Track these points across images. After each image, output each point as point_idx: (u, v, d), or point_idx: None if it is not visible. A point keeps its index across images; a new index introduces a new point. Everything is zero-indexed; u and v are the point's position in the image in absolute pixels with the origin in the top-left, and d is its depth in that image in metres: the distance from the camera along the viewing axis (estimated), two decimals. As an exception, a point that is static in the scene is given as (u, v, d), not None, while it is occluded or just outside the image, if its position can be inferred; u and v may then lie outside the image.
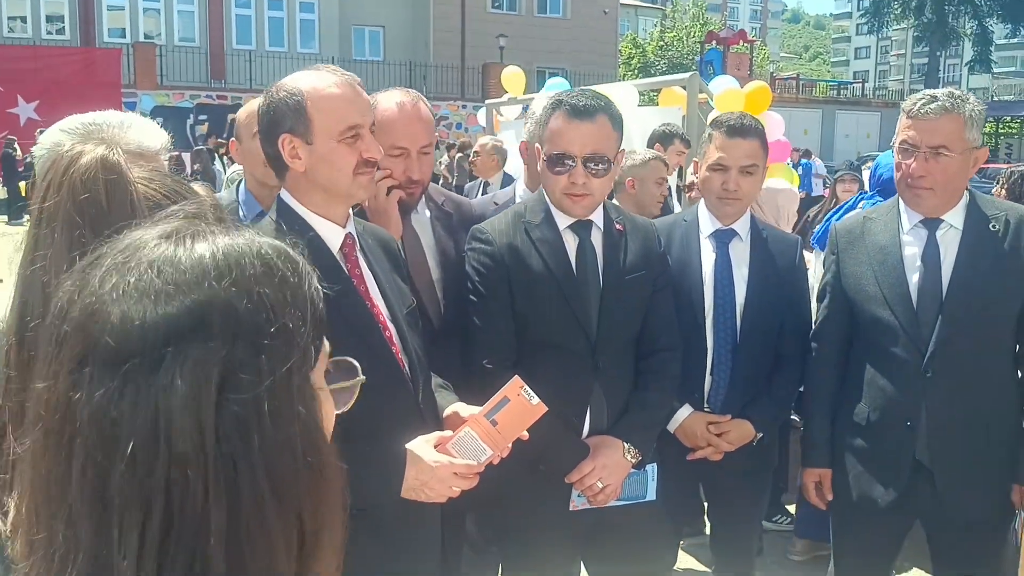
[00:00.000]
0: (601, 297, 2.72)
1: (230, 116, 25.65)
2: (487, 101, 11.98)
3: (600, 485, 2.66)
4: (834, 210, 5.56)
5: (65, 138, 2.00)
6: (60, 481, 0.83)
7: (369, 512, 2.16)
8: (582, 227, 2.75)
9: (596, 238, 2.77)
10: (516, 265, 2.69)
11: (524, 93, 11.20)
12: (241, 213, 3.26)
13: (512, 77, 11.47)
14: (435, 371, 2.62)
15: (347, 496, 0.96)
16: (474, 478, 2.21)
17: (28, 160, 16.95)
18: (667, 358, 2.84)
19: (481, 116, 11.86)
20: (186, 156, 16.02)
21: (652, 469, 2.82)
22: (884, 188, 4.49)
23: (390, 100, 2.80)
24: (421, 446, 2.19)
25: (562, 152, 2.63)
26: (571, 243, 2.75)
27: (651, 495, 2.83)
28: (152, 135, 2.08)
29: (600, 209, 2.79)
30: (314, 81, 2.24)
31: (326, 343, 1.02)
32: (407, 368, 2.32)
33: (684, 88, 7.68)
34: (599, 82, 12.83)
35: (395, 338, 2.32)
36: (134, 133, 2.03)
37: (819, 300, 3.17)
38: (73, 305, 0.87)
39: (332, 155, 2.22)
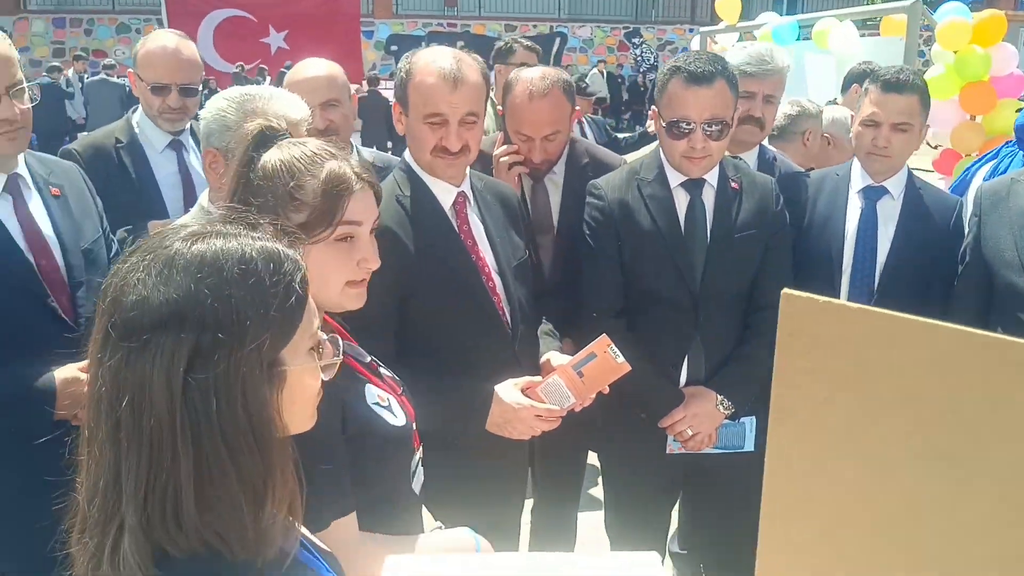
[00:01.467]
0: (707, 253, 2.82)
1: (458, 44, 26.76)
2: (701, 29, 11.72)
3: (690, 432, 2.81)
4: (977, 159, 5.04)
5: (227, 105, 2.38)
6: (94, 419, 1.15)
7: (459, 443, 2.46)
8: (694, 185, 2.85)
9: (708, 196, 2.86)
10: (625, 220, 2.84)
11: (739, 21, 10.87)
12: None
13: (727, 4, 11.15)
14: (551, 319, 2.86)
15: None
16: (556, 421, 2.44)
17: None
18: (772, 316, 2.89)
19: (695, 43, 11.65)
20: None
21: (750, 421, 2.92)
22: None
23: (524, 88, 3.00)
24: (508, 388, 2.44)
25: (680, 118, 2.73)
26: (681, 200, 2.85)
27: (749, 446, 2.93)
28: (295, 107, 2.41)
29: (716, 167, 2.87)
30: (425, 62, 2.48)
31: (312, 324, 1.27)
32: (507, 316, 2.57)
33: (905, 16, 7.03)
34: (817, 9, 12.14)
35: (498, 287, 2.57)
36: (278, 105, 2.37)
37: (960, 262, 3.08)
38: (111, 286, 1.18)
39: (418, 132, 2.49)
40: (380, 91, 15.79)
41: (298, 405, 1.27)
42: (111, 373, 1.12)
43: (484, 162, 3.03)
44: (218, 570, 1.14)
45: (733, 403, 2.84)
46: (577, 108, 3.30)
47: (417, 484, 1.96)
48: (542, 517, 3.42)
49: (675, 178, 2.85)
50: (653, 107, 2.87)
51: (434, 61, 2.46)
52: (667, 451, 2.90)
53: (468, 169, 2.65)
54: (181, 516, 1.11)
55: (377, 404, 1.81)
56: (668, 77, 2.77)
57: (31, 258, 2.42)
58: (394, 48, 26.24)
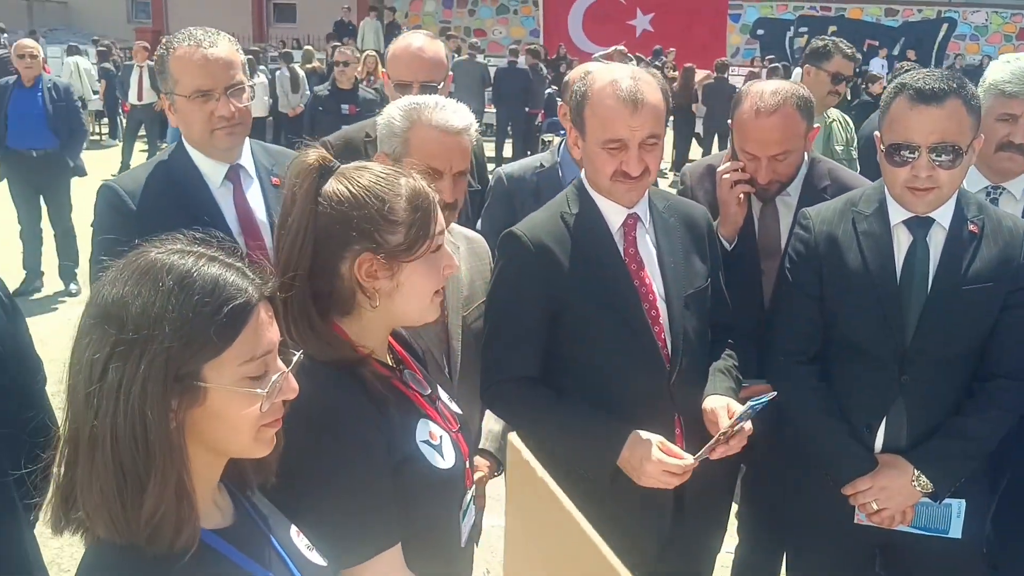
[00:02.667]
0: (924, 305, 2.43)
1: (831, 28, 25.20)
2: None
3: (875, 507, 2.45)
4: None
5: (395, 112, 2.46)
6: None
7: (594, 480, 2.35)
8: (919, 224, 2.46)
9: (936, 238, 2.46)
10: (831, 256, 2.52)
11: None
12: (559, 174, 3.46)
13: None
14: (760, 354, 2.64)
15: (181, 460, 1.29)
16: (686, 474, 2.25)
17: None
18: (1005, 387, 2.44)
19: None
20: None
21: (959, 504, 2.48)
22: None
23: (752, 102, 2.79)
24: (644, 437, 2.29)
25: (903, 141, 2.37)
26: (902, 241, 2.48)
27: (955, 532, 2.50)
28: (458, 116, 2.42)
29: (951, 204, 2.45)
30: (602, 83, 2.36)
31: (251, 352, 1.34)
32: (668, 347, 2.41)
33: None
34: None
35: (663, 316, 2.42)
36: (442, 114, 2.40)
37: None
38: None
39: (595, 159, 2.38)
40: (727, 78, 15.31)
41: (229, 426, 1.35)
42: (71, 350, 1.31)
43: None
44: (106, 555, 1.28)
45: (934, 481, 2.43)
46: (817, 126, 2.96)
47: (467, 527, 1.89)
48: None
49: (898, 214, 2.48)
50: (876, 132, 2.51)
51: (612, 82, 2.34)
52: (855, 520, 2.55)
53: (649, 189, 2.51)
54: (73, 492, 1.28)
55: (427, 442, 1.76)
56: (893, 96, 2.41)
57: (241, 239, 2.68)
58: (760, 32, 25.40)
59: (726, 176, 2.87)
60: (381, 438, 1.67)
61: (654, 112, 2.33)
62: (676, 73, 16.68)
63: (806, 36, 24.00)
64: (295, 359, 1.44)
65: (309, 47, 19.45)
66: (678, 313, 2.43)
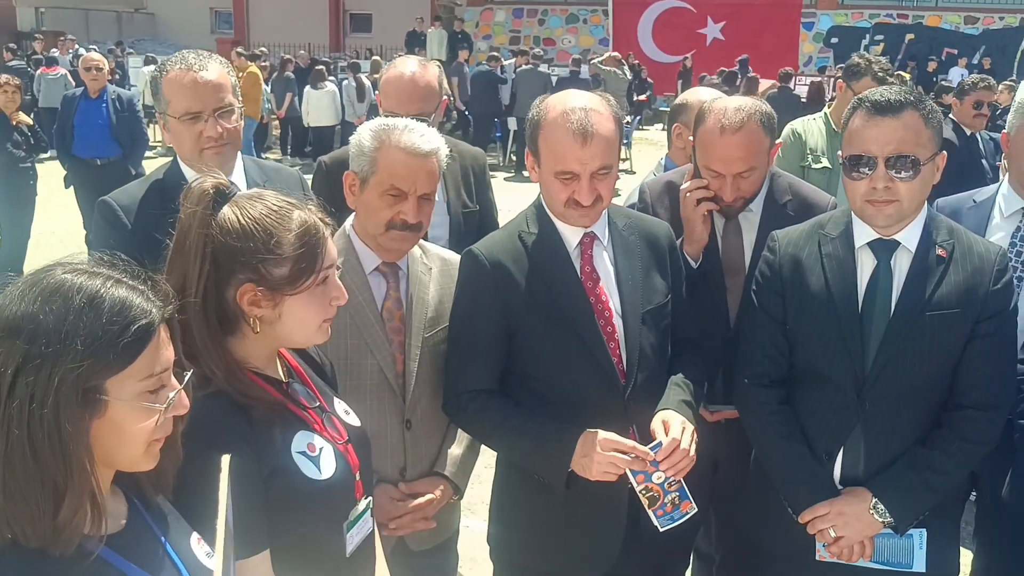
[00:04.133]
0: (886, 331, 2.39)
1: (908, 36, 24.54)
2: None
3: (832, 533, 2.42)
4: None
5: (366, 132, 2.52)
6: None
7: (549, 486, 2.39)
8: (884, 247, 2.42)
9: (901, 262, 2.42)
10: (794, 280, 2.50)
11: None
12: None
13: None
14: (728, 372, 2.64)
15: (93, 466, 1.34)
16: (633, 462, 2.29)
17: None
18: (973, 417, 2.38)
19: None
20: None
21: (919, 535, 2.43)
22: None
23: (716, 120, 2.78)
24: (594, 431, 2.33)
25: (860, 153, 2.36)
26: (866, 264, 2.44)
27: (919, 565, 2.44)
28: (426, 140, 2.48)
29: (917, 227, 2.42)
30: (554, 115, 2.38)
31: (149, 369, 1.42)
32: (624, 362, 2.44)
33: None
34: None
35: (619, 332, 2.45)
36: (410, 136, 2.46)
37: None
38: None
39: (549, 187, 2.43)
40: (792, 88, 15.09)
41: (125, 439, 1.42)
42: None
43: None
44: (11, 555, 1.33)
45: (893, 512, 2.37)
46: (779, 142, 2.94)
47: (355, 538, 1.92)
48: None
49: (863, 236, 2.45)
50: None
51: (563, 113, 2.36)
52: (816, 556, 2.51)
53: (610, 207, 2.53)
54: None
55: (303, 453, 1.81)
56: (851, 111, 2.40)
57: None
58: (834, 41, 24.88)
59: (688, 195, 2.86)
60: (248, 449, 1.72)
61: (605, 143, 2.35)
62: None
63: (882, 44, 23.47)
64: (187, 376, 1.52)
65: (377, 57, 19.82)
66: (635, 329, 2.45)
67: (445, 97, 3.69)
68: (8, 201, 8.49)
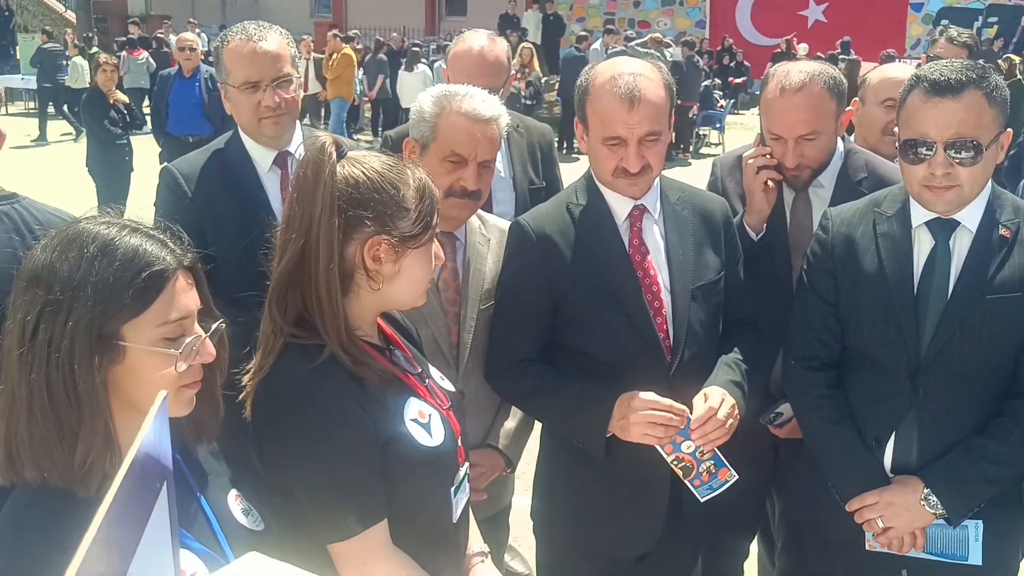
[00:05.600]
0: (943, 314, 2.27)
1: (1025, 18, 23.20)
2: None
3: (880, 524, 2.32)
4: None
5: (427, 99, 2.53)
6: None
7: (589, 452, 2.38)
8: (942, 227, 2.30)
9: (961, 242, 2.29)
10: (846, 260, 2.40)
11: None
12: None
13: None
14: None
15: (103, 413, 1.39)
16: (670, 426, 2.26)
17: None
18: None
19: None
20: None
21: (975, 526, 2.31)
22: None
23: (778, 82, 2.70)
24: (633, 392, 2.30)
25: (917, 137, 2.23)
26: (923, 244, 2.33)
27: (975, 558, 2.33)
28: (487, 106, 2.47)
29: (979, 206, 2.29)
30: (601, 80, 2.35)
31: (167, 315, 1.45)
32: (671, 337, 2.40)
33: None
34: None
35: (667, 307, 2.41)
36: (471, 102, 2.45)
37: None
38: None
39: (597, 154, 2.39)
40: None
41: (144, 384, 1.45)
42: (8, 313, 1.44)
43: None
44: (42, 495, 1.39)
45: (945, 504, 2.26)
46: (849, 109, 2.81)
47: (459, 504, 1.93)
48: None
49: (920, 216, 2.33)
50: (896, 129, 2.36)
51: (611, 79, 2.32)
52: (866, 546, 2.42)
53: (659, 178, 2.48)
54: (14, 444, 1.40)
55: (415, 420, 1.81)
56: (908, 89, 2.26)
57: None
58: (944, 23, 23.79)
59: (751, 162, 2.77)
60: (367, 417, 1.73)
61: (653, 109, 2.30)
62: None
63: (996, 27, 22.36)
64: (215, 326, 1.55)
65: (469, 39, 19.84)
66: (683, 305, 2.41)
67: (513, 72, 3.68)
68: (106, 176, 8.84)
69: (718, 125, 17.73)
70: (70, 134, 16.52)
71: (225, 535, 1.59)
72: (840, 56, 17.18)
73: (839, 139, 2.83)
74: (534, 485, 2.72)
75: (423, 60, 17.60)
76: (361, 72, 16.89)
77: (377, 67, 17.26)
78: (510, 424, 2.64)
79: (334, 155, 1.73)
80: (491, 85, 3.32)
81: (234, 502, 1.66)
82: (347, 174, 1.73)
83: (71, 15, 27.11)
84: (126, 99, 9.29)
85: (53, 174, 11.92)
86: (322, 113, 17.06)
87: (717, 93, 18.92)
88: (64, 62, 17.49)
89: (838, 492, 2.42)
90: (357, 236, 1.73)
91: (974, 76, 2.18)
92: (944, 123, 2.17)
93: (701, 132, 17.79)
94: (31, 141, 16.50)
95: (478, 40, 3.46)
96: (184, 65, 8.91)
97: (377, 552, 1.72)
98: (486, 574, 2.01)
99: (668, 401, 2.28)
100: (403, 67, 16.59)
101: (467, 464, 2.00)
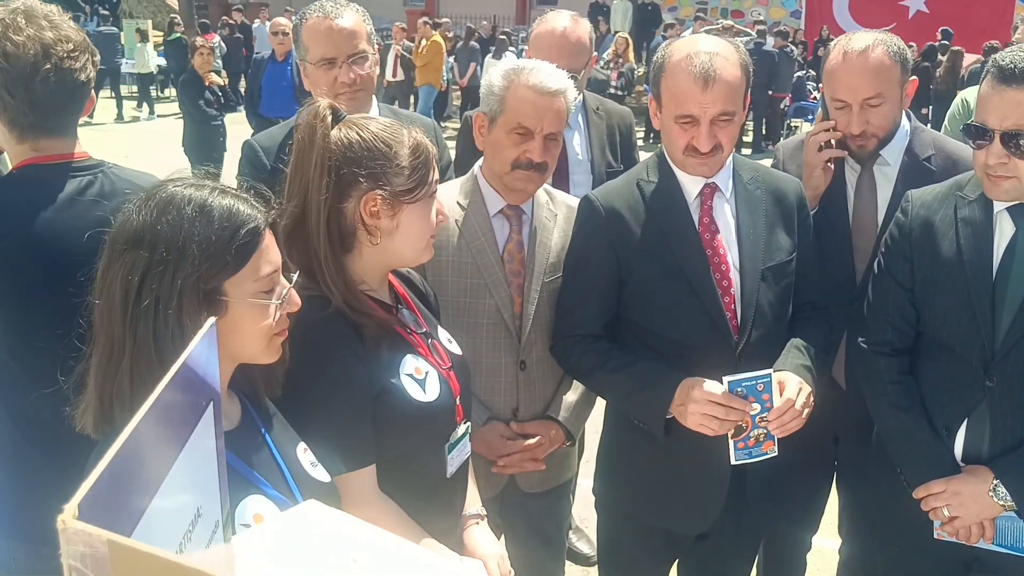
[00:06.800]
0: (1022, 304, 2.21)
1: None
2: None
3: (946, 513, 2.27)
4: None
5: (495, 73, 2.57)
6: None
7: (649, 431, 2.41)
8: (1024, 213, 2.24)
9: (1045, 229, 2.22)
10: (924, 243, 2.35)
11: None
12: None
13: None
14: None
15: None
16: (728, 419, 2.25)
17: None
18: None
19: None
20: None
21: (1051, 523, 2.24)
22: None
23: (841, 48, 2.67)
24: (696, 378, 2.30)
25: (979, 123, 2.19)
26: (1005, 230, 2.27)
27: (1047, 554, 2.26)
28: (554, 79, 2.50)
29: None
30: (678, 57, 2.35)
31: (261, 270, 1.52)
32: (739, 317, 2.39)
33: None
34: None
35: (735, 286, 2.40)
36: (538, 75, 2.49)
37: None
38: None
39: (669, 132, 2.39)
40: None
41: (247, 335, 1.54)
42: (99, 274, 1.50)
43: None
44: None
45: (1015, 495, 2.21)
46: (913, 78, 2.74)
47: (455, 460, 2.00)
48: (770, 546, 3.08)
49: (1002, 200, 2.27)
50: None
51: (687, 56, 2.32)
52: (934, 535, 2.37)
53: (732, 157, 2.48)
54: (115, 398, 1.45)
55: (411, 376, 1.89)
56: (986, 73, 2.20)
57: None
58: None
59: (813, 138, 2.73)
60: (362, 368, 1.83)
61: (727, 88, 2.29)
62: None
63: (1112, 17, 21.26)
64: (295, 277, 1.64)
65: (557, 26, 19.78)
66: (752, 285, 2.39)
67: (594, 55, 3.67)
68: (201, 155, 9.14)
69: (810, 117, 17.30)
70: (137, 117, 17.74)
71: (297, 484, 1.65)
72: (941, 44, 16.56)
73: (905, 117, 2.77)
74: (596, 462, 2.74)
75: (511, 48, 17.65)
76: (452, 60, 17.01)
77: (468, 55, 17.39)
78: (571, 397, 2.67)
79: (328, 118, 1.85)
80: (572, 66, 3.33)
81: (303, 454, 1.73)
82: (342, 136, 1.85)
83: (174, 2, 27.98)
84: (221, 81, 9.59)
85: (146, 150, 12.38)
86: (411, 100, 17.26)
87: (810, 84, 18.48)
88: (119, 45, 18.86)
89: (906, 479, 2.38)
90: (354, 193, 1.85)
91: None
92: (1004, 113, 2.12)
93: (793, 124, 17.42)
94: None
95: (561, 21, 3.47)
96: (277, 49, 9.15)
97: (361, 495, 1.81)
98: (480, 537, 2.07)
99: (728, 395, 2.25)
100: (491, 54, 16.66)
101: (467, 424, 2.07)
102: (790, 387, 2.29)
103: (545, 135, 2.46)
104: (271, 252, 1.55)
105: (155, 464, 0.82)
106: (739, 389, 2.24)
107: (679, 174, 2.45)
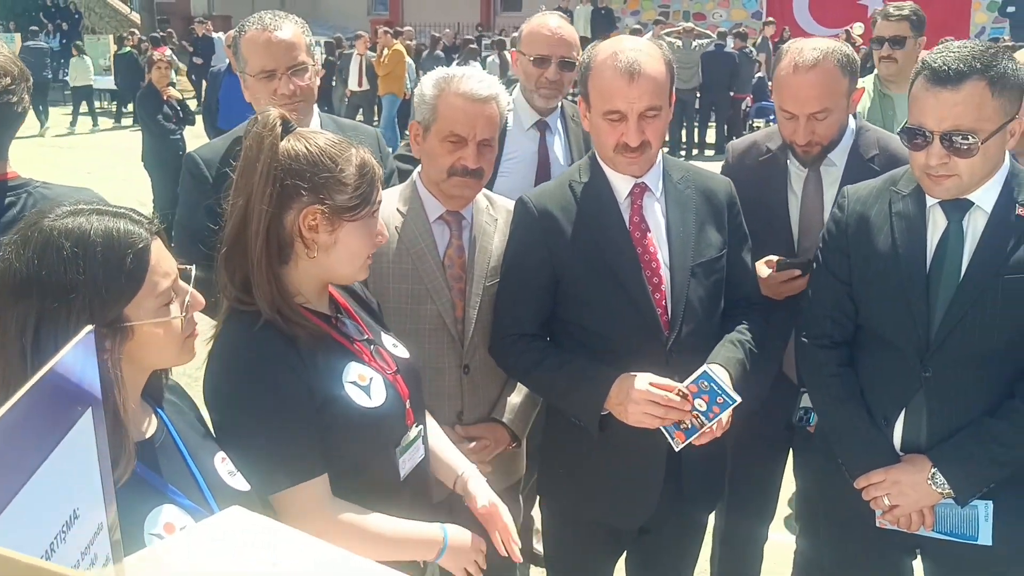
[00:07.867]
0: (955, 295, 2.24)
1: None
2: None
3: (887, 502, 2.30)
4: None
5: (427, 82, 2.58)
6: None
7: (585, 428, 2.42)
8: (956, 207, 2.27)
9: (976, 222, 2.26)
10: (859, 238, 2.38)
11: None
12: None
13: None
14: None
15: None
16: (669, 411, 2.27)
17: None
18: None
19: None
20: None
21: (986, 507, 2.28)
22: None
23: (791, 59, 2.71)
24: (632, 374, 2.32)
25: (915, 125, 2.21)
26: (938, 224, 2.30)
27: (984, 538, 2.29)
28: (484, 86, 2.51)
29: (995, 186, 2.25)
30: (603, 55, 2.38)
31: (157, 285, 1.48)
32: (669, 313, 2.42)
33: None
34: None
35: (665, 283, 2.43)
36: (468, 83, 2.50)
37: None
38: None
39: (598, 130, 2.42)
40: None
41: (156, 347, 1.52)
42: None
43: None
44: None
45: (952, 484, 2.24)
46: (861, 87, 2.79)
47: (407, 463, 1.99)
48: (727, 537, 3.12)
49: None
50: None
51: (612, 54, 2.36)
52: (877, 523, 2.40)
53: (662, 158, 2.51)
54: None
55: (354, 383, 1.88)
56: (916, 74, 2.23)
57: None
58: (1011, 10, 23.06)
59: (765, 279, 2.73)
60: (298, 380, 1.81)
61: (653, 83, 2.33)
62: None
63: (1067, 12, 21.66)
64: (191, 271, 1.59)
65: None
66: (682, 281, 2.42)
67: None
68: (160, 169, 9.09)
69: (771, 117, 17.46)
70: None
71: (212, 494, 1.63)
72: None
73: (850, 117, 2.82)
74: (539, 456, 2.75)
75: (480, 57, 17.69)
76: (413, 67, 17.00)
77: (434, 63, 17.37)
78: (516, 399, 2.68)
79: (277, 128, 1.83)
80: (570, 55, 3.43)
81: (220, 463, 1.70)
82: (289, 147, 1.83)
83: (136, 16, 27.80)
84: (179, 95, 9.53)
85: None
86: (375, 109, 17.23)
87: (771, 83, 18.63)
88: (47, 60, 19.15)
89: (847, 469, 2.41)
90: (295, 205, 1.83)
91: (979, 65, 2.12)
92: (941, 114, 2.14)
93: (755, 124, 17.57)
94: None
95: (553, 19, 3.55)
96: (233, 62, 9.08)
97: (309, 507, 1.80)
98: (478, 485, 2.15)
99: (666, 381, 2.28)
100: (456, 62, 16.68)
101: (420, 427, 2.06)
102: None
103: (478, 141, 2.47)
104: (163, 263, 1.51)
105: (10, 469, 0.82)
106: (703, 383, 2.26)
107: (610, 174, 2.47)
